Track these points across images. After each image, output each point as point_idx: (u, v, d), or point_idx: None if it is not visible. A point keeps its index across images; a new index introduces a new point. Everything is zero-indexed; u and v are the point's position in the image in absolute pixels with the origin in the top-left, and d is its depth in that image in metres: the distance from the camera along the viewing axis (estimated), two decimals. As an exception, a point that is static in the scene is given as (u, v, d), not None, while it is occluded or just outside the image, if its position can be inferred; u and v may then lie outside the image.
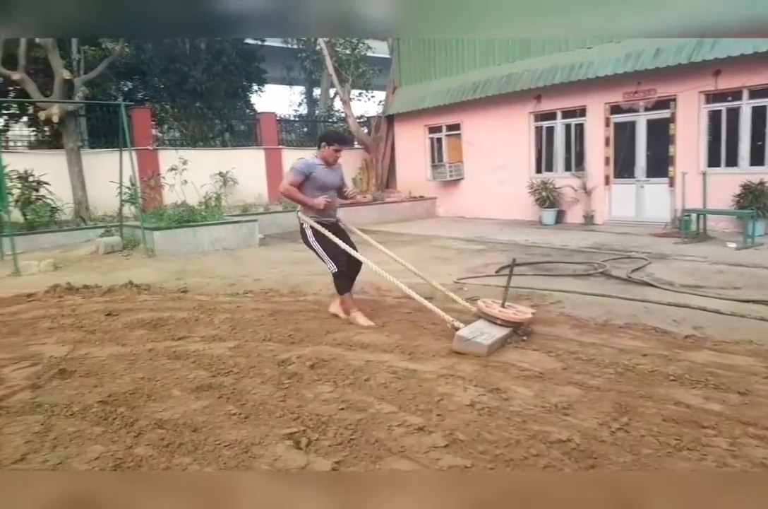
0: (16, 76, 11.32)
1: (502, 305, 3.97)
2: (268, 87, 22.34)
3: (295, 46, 22.68)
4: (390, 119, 15.32)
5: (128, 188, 9.98)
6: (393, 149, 15.48)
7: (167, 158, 12.94)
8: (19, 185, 10.34)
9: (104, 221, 10.88)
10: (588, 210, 10.96)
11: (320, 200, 4.23)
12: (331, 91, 21.13)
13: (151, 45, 17.10)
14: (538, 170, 12.00)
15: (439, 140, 14.06)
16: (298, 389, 3.00)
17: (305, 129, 19.12)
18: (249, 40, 19.99)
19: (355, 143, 17.06)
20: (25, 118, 16.30)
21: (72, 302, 5.16)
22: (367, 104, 20.54)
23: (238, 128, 18.45)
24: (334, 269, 4.28)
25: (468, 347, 3.48)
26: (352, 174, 16.19)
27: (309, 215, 4.34)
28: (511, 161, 12.26)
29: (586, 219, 10.96)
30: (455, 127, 13.52)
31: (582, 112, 11.04)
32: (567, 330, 4.04)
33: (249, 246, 9.51)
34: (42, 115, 11.69)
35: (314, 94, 25.15)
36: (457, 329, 3.69)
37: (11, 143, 14.76)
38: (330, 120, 19.14)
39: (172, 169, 11.62)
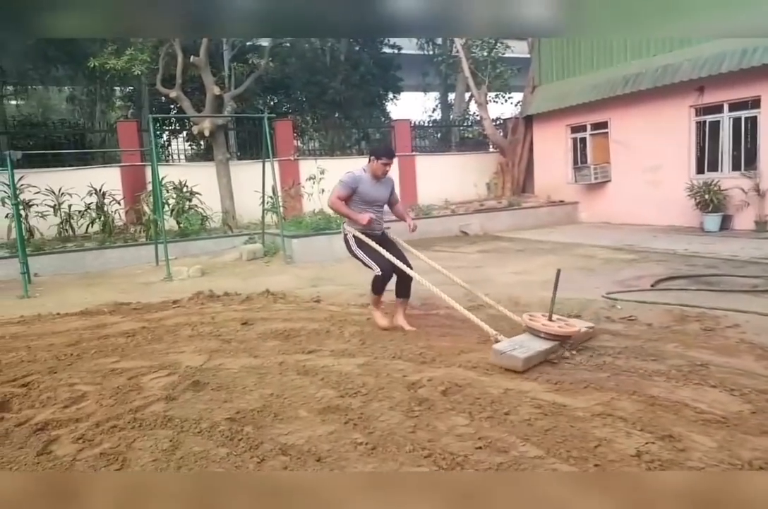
0: (173, 93, 12.32)
1: (549, 318, 3.80)
2: (403, 95, 22.49)
3: (431, 52, 22.65)
4: (528, 120, 14.63)
5: (270, 197, 10.40)
6: (531, 152, 14.76)
7: (307, 167, 13.35)
8: (174, 195, 11.19)
9: (248, 228, 11.46)
10: (761, 215, 9.55)
11: (365, 216, 4.23)
12: (466, 95, 20.77)
13: (294, 59, 17.91)
14: (700, 171, 10.70)
15: (583, 139, 13.14)
16: (429, 418, 2.71)
17: (438, 135, 18.96)
18: (386, 49, 20.29)
19: (490, 146, 16.56)
20: (183, 134, 17.85)
21: (212, 310, 5.31)
22: (503, 106, 19.91)
23: (374, 136, 18.76)
24: (379, 271, 4.26)
25: (503, 360, 3.37)
26: (486, 179, 15.71)
27: (354, 226, 4.38)
28: (667, 160, 11.07)
29: (758, 225, 9.56)
30: (601, 125, 12.54)
31: (755, 103, 9.66)
32: (752, 362, 3.35)
33: (382, 253, 9.46)
34: (195, 129, 12.63)
35: (449, 99, 24.94)
36: (498, 342, 3.63)
37: (170, 157, 16.18)
38: (464, 124, 18.79)
39: (310, 178, 11.97)
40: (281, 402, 3.01)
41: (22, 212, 9.70)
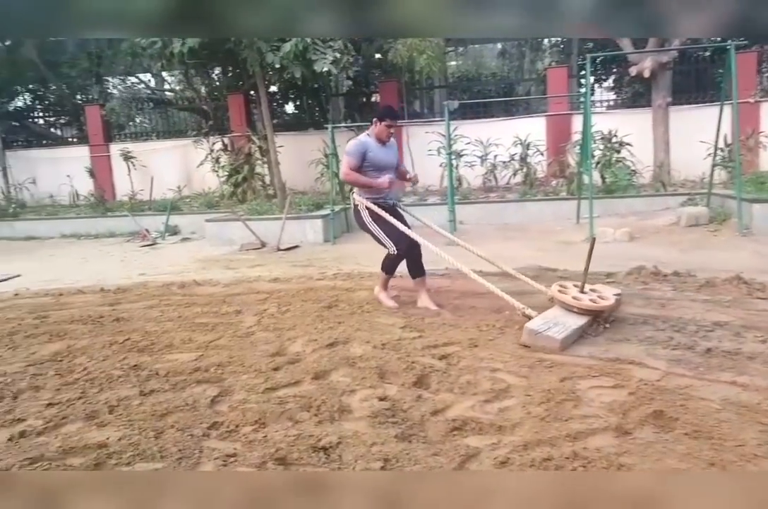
0: (615, 31, 10.91)
1: (581, 290, 3.46)
2: None
3: None
4: None
5: (721, 149, 8.32)
6: None
7: (770, 111, 10.45)
8: (601, 147, 10.11)
9: (684, 187, 9.61)
10: None
11: (384, 179, 3.98)
12: None
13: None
14: None
15: None
16: None
17: None
18: None
19: None
20: (609, 81, 16.31)
21: (659, 295, 4.10)
22: None
23: None
24: (395, 251, 4.00)
25: (539, 341, 3.09)
26: None
27: (365, 196, 4.11)
28: None
29: None
30: None
31: None
32: None
33: None
34: (633, 70, 11.03)
35: None
36: (529, 317, 3.34)
37: (594, 106, 14.95)
38: None
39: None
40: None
41: (454, 162, 10.15)
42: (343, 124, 11.19)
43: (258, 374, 2.99)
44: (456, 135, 10.71)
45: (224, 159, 11.58)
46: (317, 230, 8.21)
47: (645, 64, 10.54)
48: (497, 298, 3.74)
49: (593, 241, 3.41)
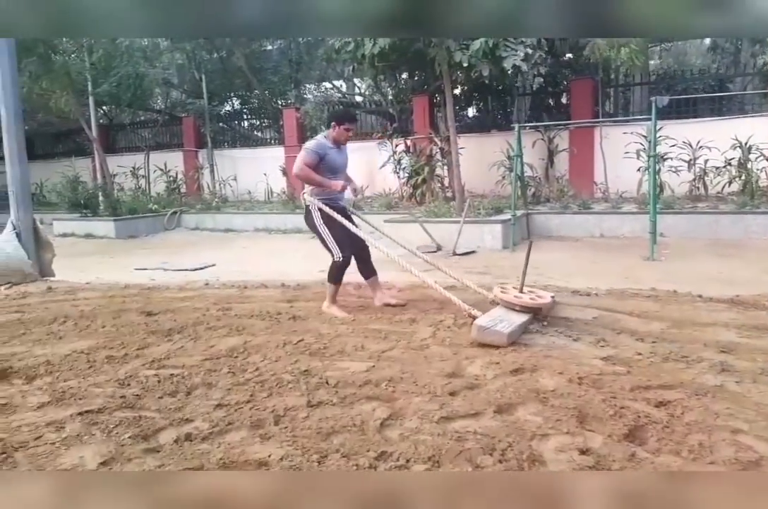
0: None
1: (520, 290, 3.81)
2: None
3: None
4: None
5: None
6: None
7: None
8: None
9: None
10: None
11: (338, 182, 4.08)
12: None
13: None
14: None
15: None
16: None
17: None
18: None
19: None
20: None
21: None
22: None
23: None
24: (339, 257, 4.10)
25: (487, 336, 3.28)
26: None
27: (318, 197, 4.17)
28: None
29: None
30: None
31: None
32: None
33: None
34: None
35: None
36: (474, 317, 3.50)
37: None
38: None
39: None
40: None
41: (656, 166, 9.01)
42: (529, 124, 10.53)
43: (433, 397, 2.64)
44: (660, 136, 9.50)
45: (406, 161, 11.57)
46: (496, 236, 7.73)
47: None
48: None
49: (530, 243, 3.79)
